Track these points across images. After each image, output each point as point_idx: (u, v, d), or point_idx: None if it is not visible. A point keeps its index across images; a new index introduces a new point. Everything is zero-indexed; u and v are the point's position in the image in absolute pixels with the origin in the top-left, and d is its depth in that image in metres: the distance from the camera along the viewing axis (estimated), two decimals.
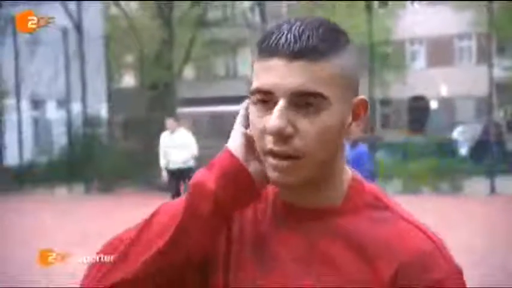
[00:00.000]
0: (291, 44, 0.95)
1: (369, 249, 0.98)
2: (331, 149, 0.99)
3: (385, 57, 26.87)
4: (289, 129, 0.95)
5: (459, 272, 0.99)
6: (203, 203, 0.99)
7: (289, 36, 0.95)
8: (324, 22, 0.99)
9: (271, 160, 0.97)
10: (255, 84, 0.98)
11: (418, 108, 28.38)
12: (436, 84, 28.56)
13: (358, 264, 0.98)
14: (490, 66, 14.93)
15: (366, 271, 0.98)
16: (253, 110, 0.99)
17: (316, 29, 0.96)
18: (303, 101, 0.96)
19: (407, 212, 1.04)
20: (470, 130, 19.42)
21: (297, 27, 0.96)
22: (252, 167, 1.00)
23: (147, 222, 1.04)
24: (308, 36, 0.95)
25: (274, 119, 0.95)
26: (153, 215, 1.05)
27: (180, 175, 10.47)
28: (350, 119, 1.01)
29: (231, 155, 1.00)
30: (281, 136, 0.95)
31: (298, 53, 0.95)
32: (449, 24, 26.31)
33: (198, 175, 1.01)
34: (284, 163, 0.97)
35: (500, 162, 14.84)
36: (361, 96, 1.02)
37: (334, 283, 0.98)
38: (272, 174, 0.98)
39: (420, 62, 30.78)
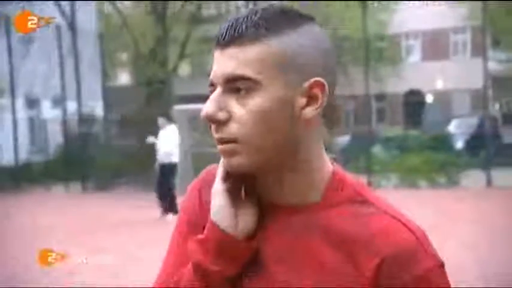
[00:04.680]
0: (223, 34, 0.99)
1: (350, 244, 0.98)
2: (271, 133, 0.98)
3: (380, 51, 26.89)
4: (221, 115, 0.98)
5: (441, 265, 0.98)
6: (211, 279, 1.01)
7: (225, 27, 1.00)
8: (266, 8, 1.00)
9: (218, 146, 1.01)
10: None
11: (413, 102, 28.43)
12: (432, 78, 28.60)
13: (340, 260, 0.98)
14: (485, 59, 14.93)
15: (348, 267, 0.97)
16: None
17: (251, 15, 0.99)
18: (236, 87, 0.98)
19: (389, 205, 1.03)
20: (466, 123, 19.44)
21: (236, 17, 1.00)
22: (242, 220, 1.02)
23: None
24: (239, 24, 0.98)
25: (205, 106, 0.99)
26: None
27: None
28: (302, 102, 0.99)
29: (218, 230, 1.01)
30: (215, 122, 0.99)
31: (228, 41, 0.98)
32: (444, 18, 26.34)
33: (196, 254, 1.02)
34: (225, 147, 1.00)
35: (496, 155, 14.85)
36: (316, 78, 0.99)
37: (317, 281, 0.98)
38: (223, 159, 1.02)
39: (415, 56, 30.81)
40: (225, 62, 0.99)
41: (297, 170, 1.02)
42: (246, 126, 0.98)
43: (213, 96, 0.99)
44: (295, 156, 1.01)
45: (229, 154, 1.00)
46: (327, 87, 1.00)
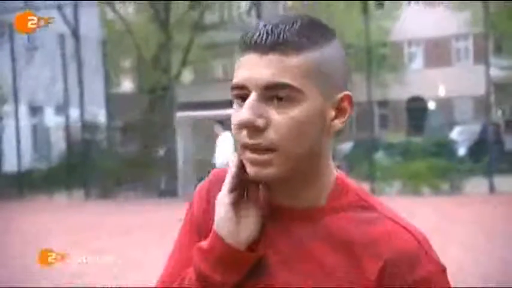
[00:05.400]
0: (263, 38, 0.97)
1: (354, 248, 0.99)
2: (307, 142, 0.99)
3: (383, 58, 26.90)
4: (260, 122, 0.97)
5: (443, 271, 0.99)
6: (213, 287, 1.02)
7: (262, 31, 0.98)
8: (304, 18, 1.00)
9: (248, 154, 0.99)
10: (233, 81, 1.00)
11: (416, 109, 28.39)
12: (434, 85, 28.57)
13: (344, 264, 0.99)
14: (487, 66, 14.92)
15: (352, 271, 0.98)
16: (234, 107, 1.01)
17: (291, 23, 0.98)
18: (275, 94, 0.97)
19: (392, 211, 1.04)
20: (468, 130, 19.42)
21: (273, 23, 0.98)
22: (246, 228, 1.02)
23: None
24: (281, 30, 0.97)
25: (243, 111, 0.97)
26: None
27: None
28: (333, 114, 1.01)
29: (221, 240, 1.01)
30: (252, 128, 0.97)
31: (270, 47, 0.97)
32: (447, 25, 26.32)
33: (198, 262, 1.03)
34: (260, 157, 0.98)
35: (498, 162, 14.84)
36: (346, 92, 1.02)
37: (319, 282, 0.99)
38: (250, 169, 0.99)
39: (418, 63, 30.78)
40: (265, 68, 0.97)
41: (313, 176, 1.03)
42: (283, 134, 0.97)
43: (249, 102, 0.97)
44: (315, 163, 1.03)
45: (263, 164, 0.98)
46: (353, 101, 1.03)
